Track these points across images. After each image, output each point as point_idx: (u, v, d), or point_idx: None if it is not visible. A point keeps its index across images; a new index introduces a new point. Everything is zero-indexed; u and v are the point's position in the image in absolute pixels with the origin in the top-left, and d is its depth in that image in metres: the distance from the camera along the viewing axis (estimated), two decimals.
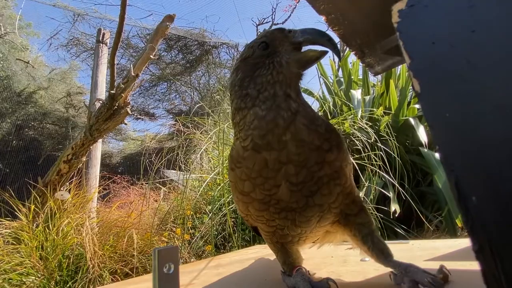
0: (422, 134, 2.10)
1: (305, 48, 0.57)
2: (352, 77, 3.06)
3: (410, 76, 0.24)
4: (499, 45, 0.20)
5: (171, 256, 0.38)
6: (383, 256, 0.55)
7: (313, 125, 0.52)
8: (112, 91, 2.15)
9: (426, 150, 2.04)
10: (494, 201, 0.19)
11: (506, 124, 0.19)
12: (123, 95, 2.21)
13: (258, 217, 0.57)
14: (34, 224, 1.91)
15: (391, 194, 1.90)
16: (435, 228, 1.86)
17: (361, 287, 0.57)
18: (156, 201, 2.83)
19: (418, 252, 0.82)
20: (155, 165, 2.46)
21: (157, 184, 3.04)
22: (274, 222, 0.56)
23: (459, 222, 1.66)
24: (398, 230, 1.87)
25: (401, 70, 2.77)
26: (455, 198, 0.21)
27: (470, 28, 0.21)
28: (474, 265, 0.64)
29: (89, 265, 1.58)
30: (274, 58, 0.55)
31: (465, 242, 0.86)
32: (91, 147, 2.51)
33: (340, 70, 3.36)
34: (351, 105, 2.53)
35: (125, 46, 7.14)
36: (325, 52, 0.55)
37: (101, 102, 2.38)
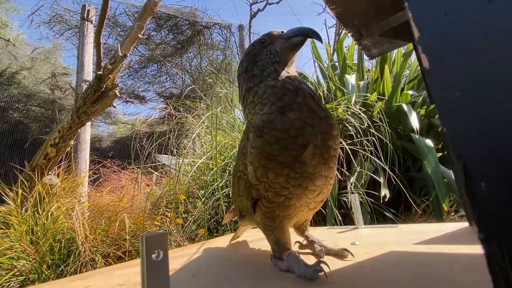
0: (414, 120, 2.11)
1: None
2: (347, 61, 3.01)
3: (419, 52, 0.22)
4: None
5: (160, 242, 0.37)
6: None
7: (316, 97, 0.62)
8: (99, 72, 2.06)
9: (417, 136, 2.06)
10: (505, 188, 0.18)
11: None
12: (110, 76, 2.11)
13: (273, 184, 0.60)
14: (23, 209, 1.87)
15: (381, 179, 1.93)
16: (422, 212, 1.92)
17: (352, 270, 0.58)
18: (148, 185, 2.81)
19: (407, 235, 0.84)
20: (146, 150, 2.41)
21: (149, 169, 3.00)
22: (286, 190, 0.60)
23: (445, 206, 1.71)
24: (387, 214, 1.92)
25: (396, 55, 2.73)
26: (462, 184, 0.19)
27: None
28: (460, 249, 0.66)
29: (80, 249, 1.58)
30: (270, 47, 0.71)
31: (452, 226, 0.88)
32: (79, 130, 2.43)
33: (335, 54, 3.30)
34: (345, 90, 2.50)
35: (111, 25, 6.80)
36: (306, 37, 0.70)
37: (88, 83, 2.28)
